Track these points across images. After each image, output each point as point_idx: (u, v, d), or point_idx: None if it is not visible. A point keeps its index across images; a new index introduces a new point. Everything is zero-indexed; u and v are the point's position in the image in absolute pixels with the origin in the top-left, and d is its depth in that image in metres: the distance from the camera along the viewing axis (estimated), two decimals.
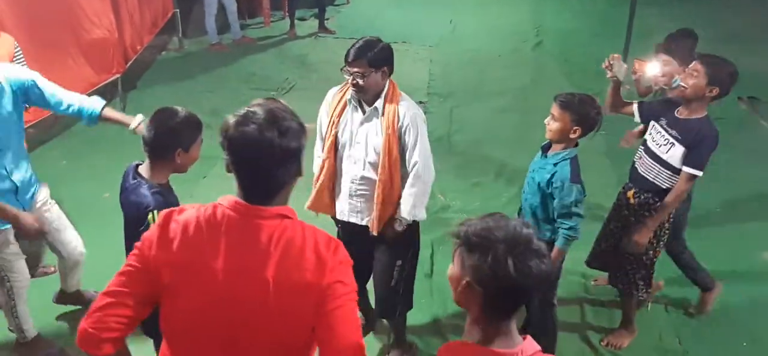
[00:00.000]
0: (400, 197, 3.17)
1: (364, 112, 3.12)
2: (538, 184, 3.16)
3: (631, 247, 3.50)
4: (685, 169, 3.30)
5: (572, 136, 3.08)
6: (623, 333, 3.84)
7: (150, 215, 2.58)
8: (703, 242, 4.21)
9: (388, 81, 3.11)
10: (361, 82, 3.00)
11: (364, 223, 3.24)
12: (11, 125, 3.04)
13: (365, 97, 3.09)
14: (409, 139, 3.08)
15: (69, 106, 3.15)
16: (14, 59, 3.71)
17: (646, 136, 3.54)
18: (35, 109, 3.89)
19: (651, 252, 3.55)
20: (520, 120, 6.72)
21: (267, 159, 1.70)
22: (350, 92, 3.12)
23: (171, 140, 2.61)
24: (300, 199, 2.80)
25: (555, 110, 3.10)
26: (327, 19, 9.50)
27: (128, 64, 6.85)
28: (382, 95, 3.09)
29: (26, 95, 3.07)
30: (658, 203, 3.42)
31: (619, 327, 3.86)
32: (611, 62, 3.48)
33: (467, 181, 5.51)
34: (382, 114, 3.08)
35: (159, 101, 7.00)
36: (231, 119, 1.74)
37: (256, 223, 1.72)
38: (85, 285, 4.12)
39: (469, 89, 7.71)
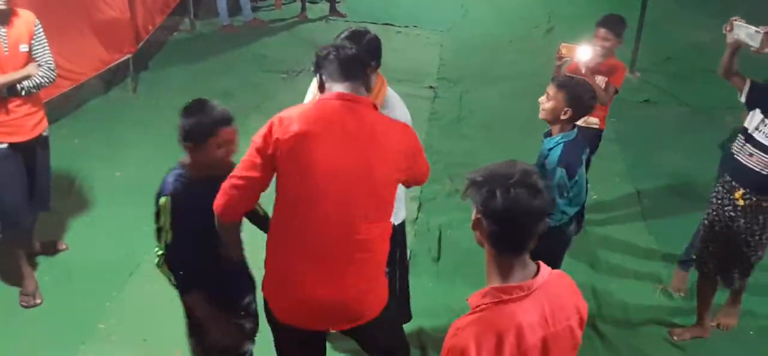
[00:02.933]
0: None
1: None
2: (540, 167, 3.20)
3: (746, 250, 3.44)
4: None
5: (563, 117, 3.07)
6: (732, 311, 3.85)
7: (162, 199, 2.55)
8: None
9: (376, 76, 2.96)
10: None
11: None
12: None
13: None
14: None
15: None
16: (34, 37, 3.70)
17: (751, 128, 3.30)
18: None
19: (757, 255, 3.50)
20: (531, 106, 6.62)
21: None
22: None
23: (179, 133, 2.55)
24: None
25: (551, 89, 3.10)
26: (338, 2, 9.47)
27: (140, 45, 6.86)
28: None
29: None
30: None
31: (728, 305, 3.86)
32: (732, 25, 3.25)
33: (476, 166, 5.47)
34: None
35: (170, 81, 7.04)
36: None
37: (360, 107, 2.36)
38: (97, 263, 4.18)
39: (479, 74, 7.68)
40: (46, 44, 3.78)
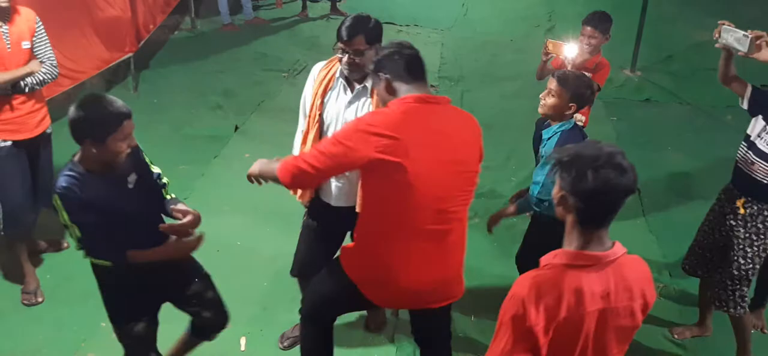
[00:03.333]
0: None
1: (352, 90, 3.06)
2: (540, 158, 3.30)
3: (743, 263, 3.31)
4: None
5: (567, 112, 3.17)
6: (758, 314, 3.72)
7: (54, 198, 2.53)
8: None
9: None
10: (358, 60, 2.93)
11: (350, 205, 3.10)
12: None
13: (357, 75, 3.02)
14: None
15: None
16: (35, 34, 3.72)
17: (753, 136, 3.19)
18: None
19: (752, 267, 3.35)
20: (531, 105, 6.62)
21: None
22: (340, 71, 3.05)
23: (77, 129, 2.49)
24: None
25: (553, 84, 3.16)
26: (339, 1, 9.48)
27: (141, 44, 6.87)
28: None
29: None
30: None
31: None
32: (719, 30, 3.10)
33: None
34: (372, 94, 3.02)
35: (171, 80, 7.05)
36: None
37: (438, 107, 2.51)
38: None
39: (480, 73, 7.69)
40: (48, 41, 3.80)
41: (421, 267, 2.57)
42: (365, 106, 3.04)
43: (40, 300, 3.88)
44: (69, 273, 4.13)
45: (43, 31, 3.76)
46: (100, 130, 2.46)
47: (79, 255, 4.25)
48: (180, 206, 2.85)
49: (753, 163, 3.18)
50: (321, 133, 3.14)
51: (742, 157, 3.27)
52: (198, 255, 4.35)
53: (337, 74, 3.07)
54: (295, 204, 4.64)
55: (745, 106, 3.28)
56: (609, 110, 6.46)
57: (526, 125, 6.12)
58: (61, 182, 2.52)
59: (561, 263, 1.84)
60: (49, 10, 5.08)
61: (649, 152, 5.90)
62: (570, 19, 8.95)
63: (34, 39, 3.71)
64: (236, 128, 5.99)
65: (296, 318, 3.82)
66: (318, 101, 3.10)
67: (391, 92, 2.53)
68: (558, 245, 3.37)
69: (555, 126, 3.21)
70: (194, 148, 5.64)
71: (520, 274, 3.62)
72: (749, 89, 3.25)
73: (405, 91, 2.51)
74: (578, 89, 3.15)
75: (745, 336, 3.50)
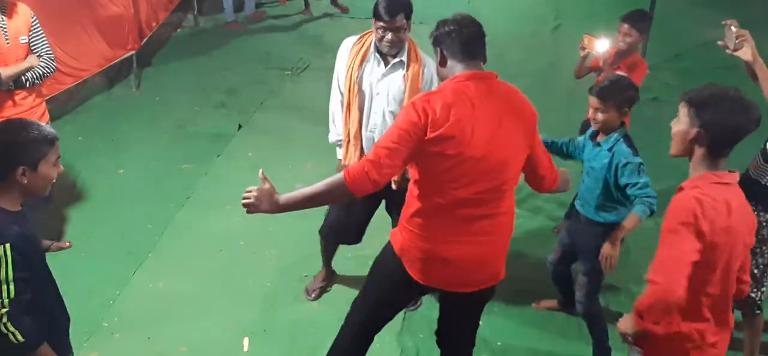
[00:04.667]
0: None
1: (386, 64, 3.19)
2: (602, 172, 3.18)
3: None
4: None
5: (623, 118, 3.16)
6: None
7: (1, 248, 2.16)
8: None
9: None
10: (401, 36, 3.10)
11: None
12: None
13: (396, 50, 3.16)
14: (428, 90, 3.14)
15: None
16: (31, 29, 3.72)
17: None
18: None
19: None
20: (538, 102, 6.51)
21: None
22: (373, 45, 3.19)
23: (8, 156, 2.19)
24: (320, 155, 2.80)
25: (597, 103, 3.10)
26: None
27: (143, 41, 6.84)
28: (405, 48, 3.19)
29: None
30: None
31: None
32: (726, 36, 3.03)
33: None
34: (408, 67, 3.18)
35: (174, 78, 7.02)
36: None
37: (491, 83, 2.56)
38: (100, 260, 4.16)
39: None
40: (44, 35, 3.82)
41: (460, 241, 2.53)
42: (399, 78, 3.20)
43: None
44: (71, 271, 4.09)
45: (38, 25, 3.78)
46: (34, 152, 2.20)
47: (81, 255, 4.27)
48: None
49: (756, 163, 3.18)
50: (361, 104, 3.28)
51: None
52: (201, 255, 4.34)
53: (371, 48, 3.21)
54: None
55: None
56: None
57: None
58: (9, 234, 2.17)
59: (710, 182, 2.15)
60: (52, 8, 5.06)
61: (656, 151, 5.80)
62: (575, 17, 8.91)
63: (30, 34, 3.72)
64: (240, 126, 5.95)
65: (299, 317, 3.81)
66: (355, 75, 3.22)
67: (444, 65, 2.54)
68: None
69: (615, 134, 3.16)
70: (197, 146, 5.60)
71: (554, 280, 3.67)
72: None
73: (458, 68, 2.50)
74: (621, 95, 3.12)
75: (753, 339, 3.43)
